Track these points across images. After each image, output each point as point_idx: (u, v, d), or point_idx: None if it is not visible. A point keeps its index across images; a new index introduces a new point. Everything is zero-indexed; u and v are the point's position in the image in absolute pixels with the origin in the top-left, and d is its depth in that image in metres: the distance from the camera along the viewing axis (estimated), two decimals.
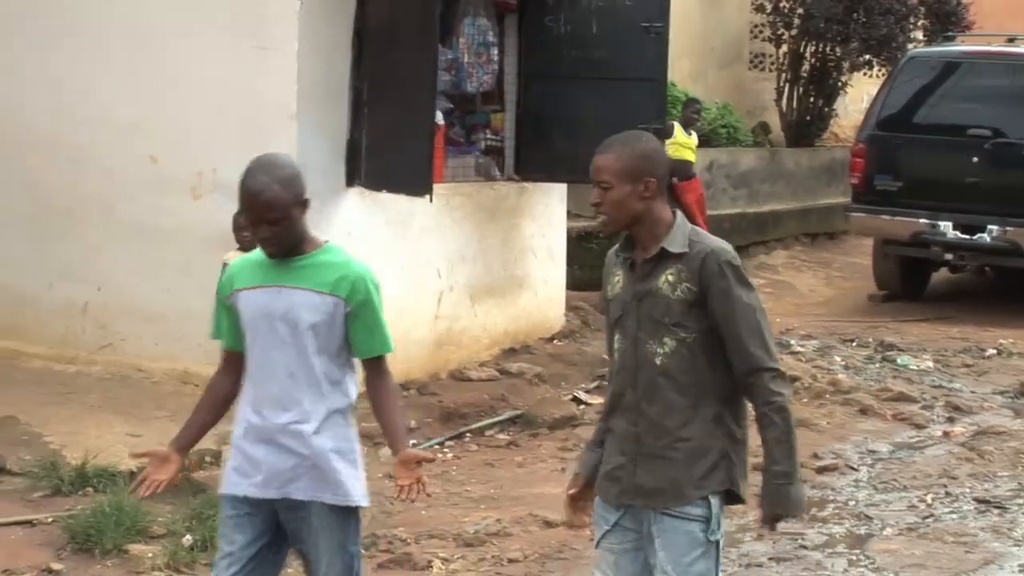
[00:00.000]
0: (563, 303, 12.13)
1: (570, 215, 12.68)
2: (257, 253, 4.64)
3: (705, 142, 16.79)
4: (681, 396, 4.29)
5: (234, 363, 4.69)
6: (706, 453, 4.32)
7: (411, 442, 5.58)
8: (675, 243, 4.30)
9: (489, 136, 11.44)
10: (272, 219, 4.45)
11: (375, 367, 4.71)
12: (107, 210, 9.80)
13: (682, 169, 15.44)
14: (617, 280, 4.40)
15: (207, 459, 8.29)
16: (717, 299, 4.26)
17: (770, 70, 20.25)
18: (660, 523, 4.33)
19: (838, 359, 12.18)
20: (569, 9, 11.02)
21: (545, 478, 8.60)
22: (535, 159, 11.34)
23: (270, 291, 4.55)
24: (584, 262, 13.92)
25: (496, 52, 11.23)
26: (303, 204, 4.54)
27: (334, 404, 4.61)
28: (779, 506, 4.35)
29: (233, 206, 9.50)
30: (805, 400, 10.57)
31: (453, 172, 11.04)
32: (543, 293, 11.79)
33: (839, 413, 10.33)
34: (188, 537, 6.80)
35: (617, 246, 4.49)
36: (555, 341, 11.69)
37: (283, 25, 9.44)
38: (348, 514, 4.64)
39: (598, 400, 10.32)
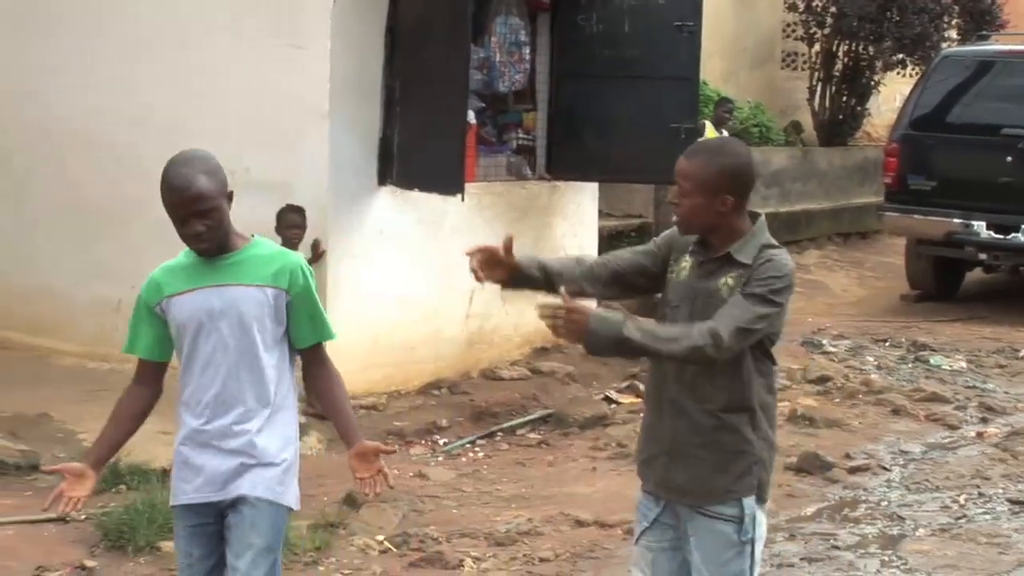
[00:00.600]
0: (595, 302, 12.09)
1: (601, 214, 12.67)
2: (178, 259, 4.50)
3: None
4: (721, 397, 4.28)
5: (152, 375, 4.54)
6: (739, 456, 4.30)
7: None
8: (743, 252, 4.30)
9: (521, 135, 11.43)
10: (203, 211, 4.31)
11: (317, 356, 4.59)
12: (144, 209, 9.82)
13: None
14: (684, 267, 4.40)
15: None
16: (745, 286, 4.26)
17: (802, 69, 20.19)
18: (693, 521, 4.34)
19: (871, 359, 12.15)
20: (601, 8, 11.00)
21: (576, 477, 8.60)
22: (567, 158, 11.33)
23: (207, 292, 4.40)
24: None
25: (528, 51, 11.23)
26: (229, 196, 4.44)
27: (279, 401, 4.50)
28: (592, 322, 4.14)
29: (267, 204, 9.62)
30: (837, 400, 10.55)
31: (485, 171, 11.04)
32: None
33: (871, 413, 10.30)
34: None
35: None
36: None
37: (316, 24, 9.46)
38: (280, 515, 4.52)
39: (629, 399, 10.32)
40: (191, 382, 4.46)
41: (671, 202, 4.45)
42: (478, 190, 10.54)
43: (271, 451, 4.47)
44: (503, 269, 4.53)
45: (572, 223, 11.75)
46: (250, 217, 9.53)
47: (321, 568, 6.75)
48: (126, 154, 10.02)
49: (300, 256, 4.59)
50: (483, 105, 11.11)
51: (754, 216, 4.39)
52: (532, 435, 9.61)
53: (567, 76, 11.24)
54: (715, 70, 17.76)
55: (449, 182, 9.63)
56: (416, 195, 9.91)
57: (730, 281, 4.28)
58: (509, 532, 7.31)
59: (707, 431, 4.29)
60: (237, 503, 4.44)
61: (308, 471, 8.36)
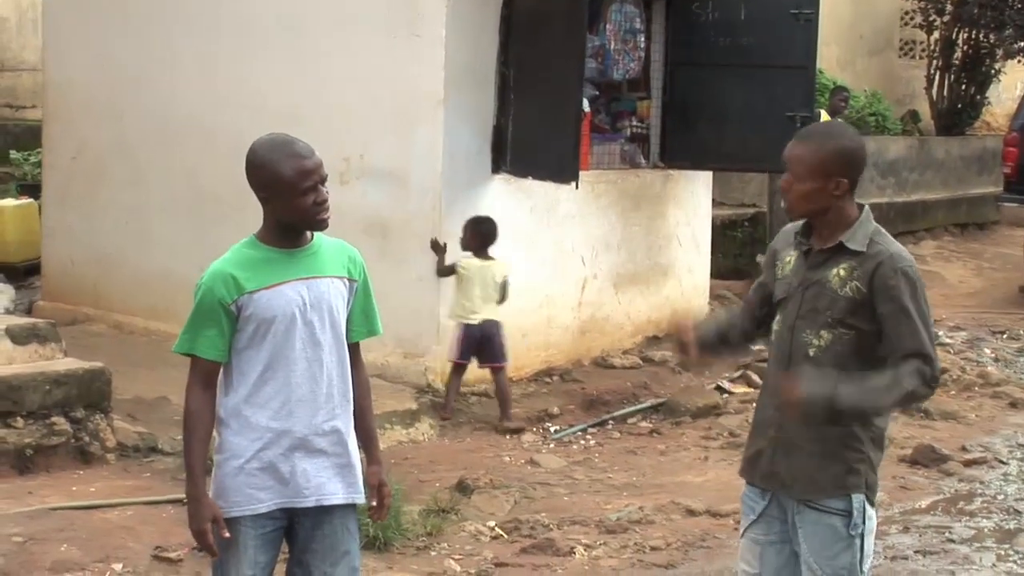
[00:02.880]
0: (707, 291, 12.07)
1: (715, 203, 12.61)
2: (243, 251, 4.26)
3: None
4: None
5: (213, 377, 4.26)
6: (847, 451, 4.22)
7: None
8: (855, 240, 4.22)
9: (635, 123, 11.41)
10: (324, 178, 4.24)
11: (358, 352, 4.41)
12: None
13: None
14: (789, 261, 4.35)
15: None
16: (886, 304, 4.15)
17: (920, 57, 19.96)
18: (801, 514, 4.28)
19: (988, 351, 11.99)
20: None
21: (688, 466, 8.58)
22: (680, 146, 11.29)
23: (297, 285, 4.20)
24: (729, 251, 13.88)
25: (643, 39, 11.20)
26: None
27: (351, 395, 4.34)
28: (805, 387, 4.09)
29: (380, 191, 9.70)
30: (953, 392, 10.42)
31: (598, 159, 11.04)
32: (687, 281, 11.75)
33: (988, 406, 10.17)
34: None
35: (790, 227, 4.44)
36: None
37: (432, 12, 9.50)
38: (355, 511, 4.38)
39: (742, 389, 10.28)
40: (267, 382, 4.20)
41: (781, 189, 4.35)
42: (592, 178, 10.54)
43: (353, 446, 4.33)
44: (698, 353, 4.63)
45: (686, 212, 11.71)
46: (362, 202, 9.71)
47: (433, 553, 6.80)
48: (242, 142, 10.03)
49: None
50: (597, 93, 11.11)
51: (859, 207, 4.31)
52: (643, 424, 9.59)
53: (682, 64, 11.19)
54: (831, 58, 17.60)
55: (564, 170, 9.64)
56: (529, 183, 9.93)
57: (842, 272, 4.19)
58: (620, 520, 7.31)
59: (814, 426, 4.20)
60: (330, 510, 4.26)
61: (421, 457, 8.46)
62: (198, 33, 10.51)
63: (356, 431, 4.36)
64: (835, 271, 4.21)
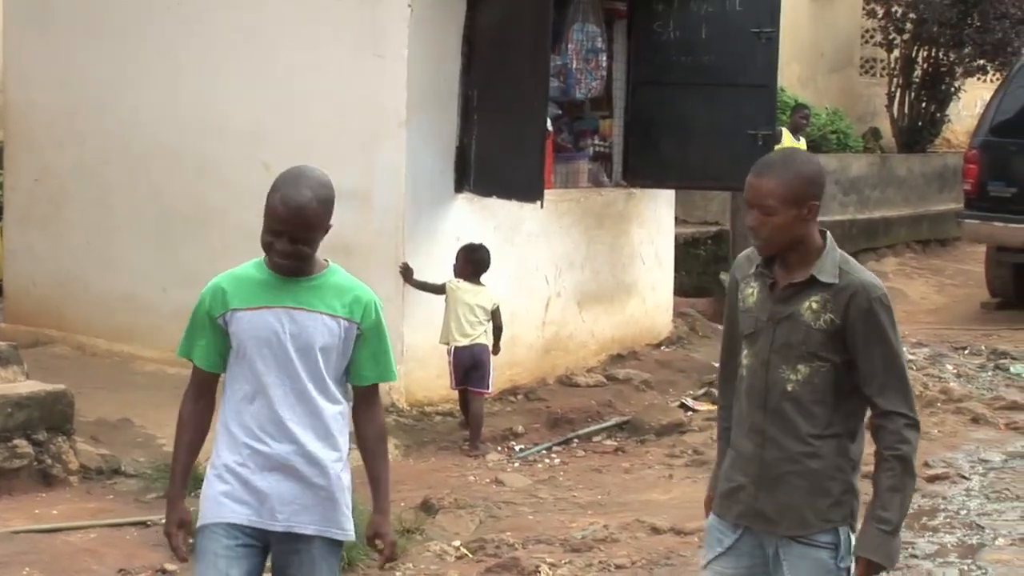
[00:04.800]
0: (671, 309, 12.11)
1: (678, 221, 12.66)
2: (248, 269, 4.31)
3: (815, 148, 16.68)
4: (809, 424, 4.13)
5: (210, 386, 4.31)
6: (831, 484, 4.16)
7: None
8: (825, 271, 4.11)
9: (597, 142, 11.45)
10: (300, 237, 4.15)
11: (371, 397, 4.37)
12: (224, 217, 9.94)
13: None
14: (751, 293, 4.23)
15: None
16: (862, 337, 4.08)
17: (881, 75, 20.09)
18: (788, 548, 4.18)
19: (950, 367, 12.04)
20: (678, 15, 10.99)
21: (652, 484, 8.59)
22: (643, 165, 11.32)
23: (279, 312, 4.19)
24: (692, 268, 13.92)
25: (605, 58, 11.23)
26: (328, 228, 4.26)
27: (343, 433, 4.29)
28: (879, 554, 4.08)
29: (343, 212, 9.66)
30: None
31: (561, 178, 11.07)
32: (651, 299, 11.78)
33: (950, 422, 10.21)
34: None
35: (745, 255, 4.33)
36: (662, 347, 11.68)
37: (394, 33, 9.52)
38: (340, 549, 4.38)
39: (706, 407, 10.30)
40: (252, 402, 4.22)
41: (749, 228, 4.20)
42: (555, 197, 10.56)
43: (339, 481, 4.27)
44: None
45: (649, 230, 11.75)
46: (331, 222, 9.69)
47: (398, 573, 6.79)
48: (207, 163, 10.14)
49: (372, 291, 4.34)
50: (559, 112, 11.14)
51: (822, 232, 4.21)
52: (608, 442, 9.61)
53: (644, 83, 11.24)
54: (792, 76, 17.70)
55: (529, 189, 9.66)
56: (492, 202, 9.94)
57: (814, 305, 4.09)
58: (585, 539, 7.32)
59: (798, 458, 4.14)
60: (306, 540, 4.23)
61: None
62: (162, 53, 10.49)
63: (369, 480, 4.35)
64: (807, 304, 4.11)
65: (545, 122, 9.94)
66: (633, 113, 11.34)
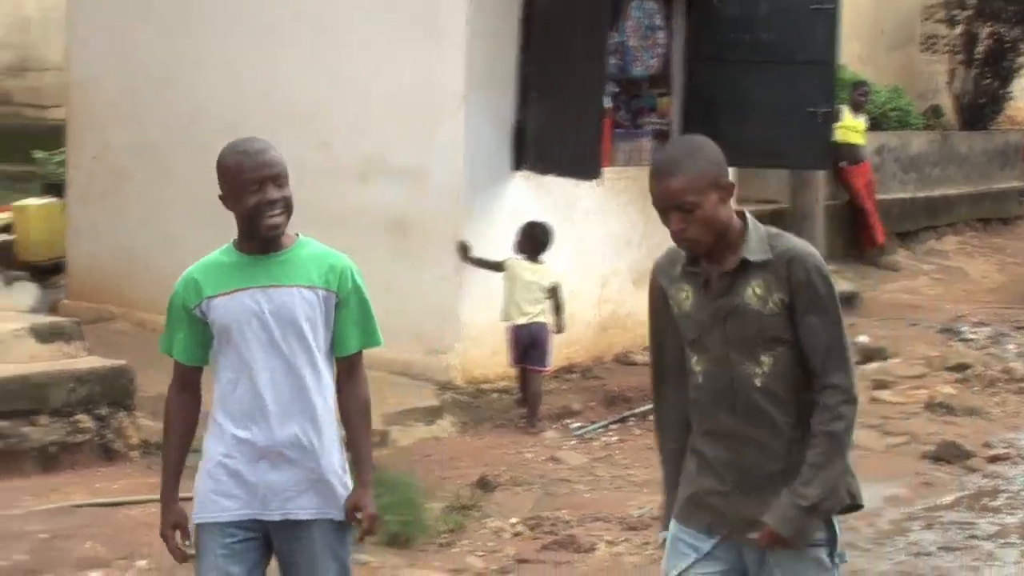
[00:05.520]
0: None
1: (737, 199, 12.59)
2: (216, 256, 4.22)
3: (875, 125, 16.56)
4: (787, 414, 3.87)
5: (195, 380, 4.20)
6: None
7: None
8: (754, 250, 3.86)
9: (655, 120, 11.40)
10: (278, 175, 4.08)
11: (354, 367, 4.21)
12: None
13: (850, 153, 15.29)
14: (685, 297, 3.95)
15: (374, 438, 8.40)
16: (803, 307, 3.83)
17: (943, 52, 19.89)
18: (777, 553, 3.88)
19: (1011, 347, 11.95)
20: None
21: None
22: None
23: (255, 292, 4.07)
24: None
25: (663, 35, 11.19)
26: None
27: (329, 411, 4.16)
28: (786, 527, 3.80)
29: (401, 190, 9.72)
30: (977, 388, 10.39)
31: (624, 156, 11.03)
32: None
33: (1012, 401, 10.14)
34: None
35: (666, 257, 4.06)
36: None
37: (453, 11, 9.53)
38: (345, 531, 4.20)
39: None
40: (235, 389, 4.10)
41: (675, 233, 3.88)
42: (612, 175, 10.54)
43: (334, 463, 4.14)
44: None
45: None
46: (383, 201, 9.74)
47: (455, 550, 6.81)
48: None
49: (348, 258, 4.25)
50: (617, 90, 11.10)
51: (738, 212, 3.95)
52: None
53: (702, 60, 11.18)
54: (852, 53, 17.54)
55: (586, 167, 9.65)
56: (549, 180, 9.93)
57: (758, 290, 3.83)
58: (641, 516, 7.31)
59: (782, 456, 3.86)
60: (304, 525, 4.11)
61: (442, 454, 8.47)
62: (221, 32, 10.54)
63: (350, 449, 4.20)
64: (749, 291, 3.85)
65: (603, 100, 9.92)
66: (691, 91, 11.28)
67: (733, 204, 3.92)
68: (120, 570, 6.13)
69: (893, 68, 19.64)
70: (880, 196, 15.96)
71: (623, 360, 10.62)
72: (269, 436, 4.07)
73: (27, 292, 8.72)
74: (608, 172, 10.25)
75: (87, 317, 10.03)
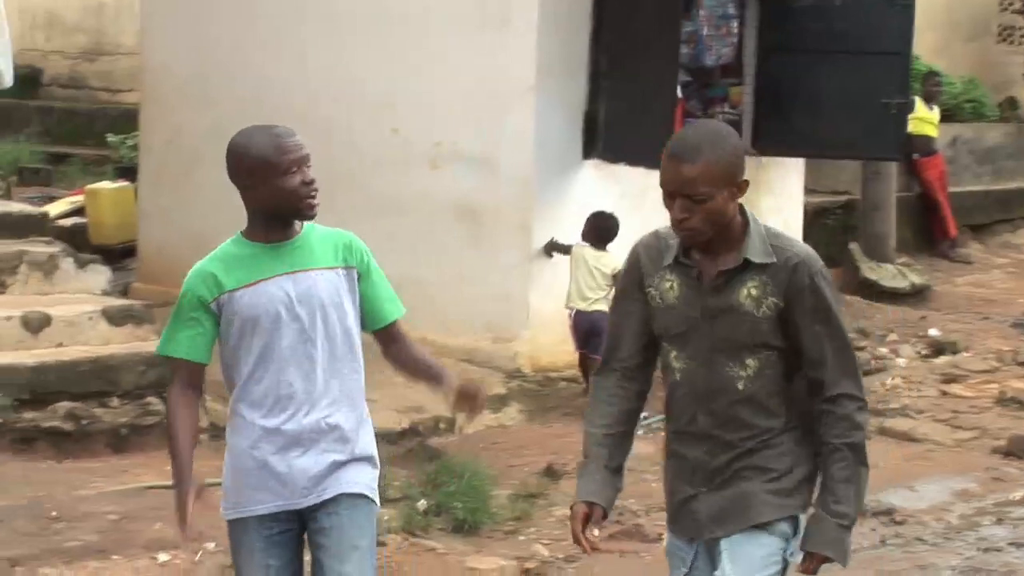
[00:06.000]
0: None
1: (807, 190, 12.52)
2: (227, 249, 4.14)
3: (949, 117, 16.40)
4: (767, 419, 3.76)
5: (195, 378, 4.12)
6: (791, 474, 3.78)
7: None
8: (756, 251, 3.71)
9: (727, 110, 11.34)
10: (306, 157, 4.07)
11: (398, 333, 4.23)
12: (351, 182, 10.01)
13: (923, 144, 15.15)
14: (670, 287, 3.79)
15: (441, 425, 8.44)
16: (806, 316, 3.70)
17: (1019, 43, 19.65)
18: (731, 538, 3.79)
19: None
20: None
21: None
22: (773, 133, 11.20)
23: (280, 280, 4.02)
24: (820, 238, 13.73)
25: (736, 24, 11.11)
26: None
27: (359, 392, 4.16)
28: (835, 549, 3.74)
29: (470, 177, 9.72)
30: None
31: None
32: None
33: None
34: (423, 502, 6.92)
35: (653, 240, 3.90)
36: None
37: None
38: (375, 513, 4.19)
39: None
40: (262, 379, 4.04)
41: (678, 221, 3.69)
42: None
43: (364, 444, 4.14)
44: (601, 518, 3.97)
45: (778, 199, 11.63)
46: (453, 188, 9.75)
47: (521, 538, 6.82)
48: (335, 128, 10.19)
49: (351, 232, 4.23)
50: (689, 79, 11.04)
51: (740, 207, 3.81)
52: None
53: (775, 50, 11.10)
54: (927, 44, 17.37)
55: (657, 156, 9.45)
56: (619, 169, 9.90)
57: (753, 292, 3.69)
58: None
59: (750, 452, 3.77)
60: (332, 502, 4.07)
61: (510, 442, 8.48)
62: (292, 18, 10.57)
63: (415, 371, 4.23)
64: (744, 291, 3.70)
65: (675, 89, 9.88)
66: (763, 80, 11.21)
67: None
68: (189, 552, 6.17)
69: (968, 59, 19.43)
70: (953, 188, 15.81)
71: None
72: (299, 423, 4.04)
73: (99, 275, 8.78)
74: None
75: (157, 300, 10.08)
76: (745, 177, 3.73)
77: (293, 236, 4.08)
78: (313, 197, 4.04)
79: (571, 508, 3.98)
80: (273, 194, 4.02)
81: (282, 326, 4.01)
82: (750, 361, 3.73)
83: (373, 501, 4.15)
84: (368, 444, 4.17)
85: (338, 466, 4.07)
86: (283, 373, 4.03)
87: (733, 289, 3.72)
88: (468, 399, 4.23)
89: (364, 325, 4.17)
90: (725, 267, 3.72)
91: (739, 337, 3.71)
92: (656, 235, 3.89)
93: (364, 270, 4.15)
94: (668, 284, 3.79)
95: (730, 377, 3.74)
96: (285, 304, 4.02)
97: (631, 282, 3.90)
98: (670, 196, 3.70)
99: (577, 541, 3.92)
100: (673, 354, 3.82)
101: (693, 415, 3.82)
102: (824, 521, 3.73)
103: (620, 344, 3.93)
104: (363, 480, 4.12)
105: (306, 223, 4.12)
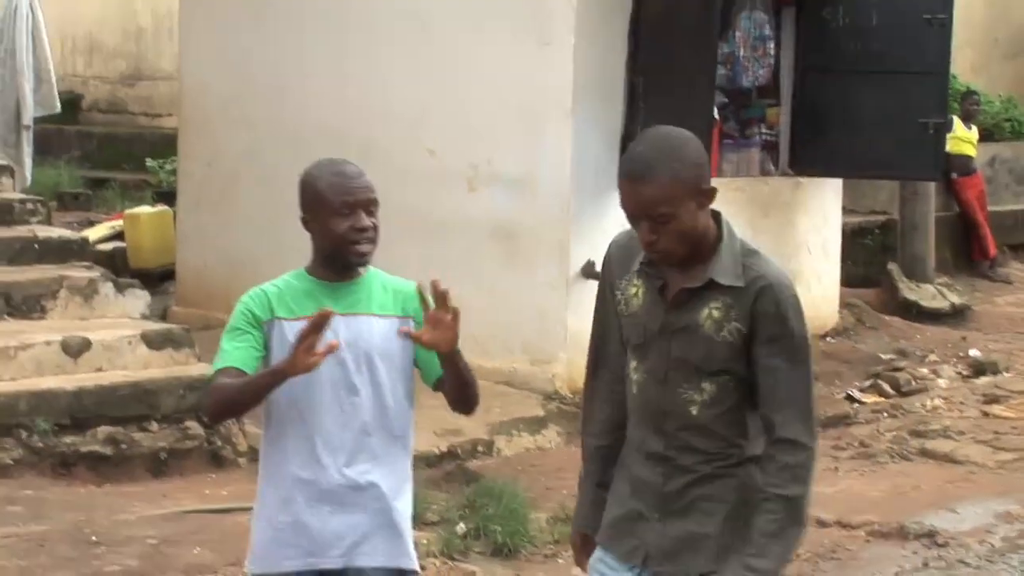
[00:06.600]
0: (837, 300, 11.94)
1: (845, 210, 12.48)
2: (287, 280, 3.91)
3: (988, 136, 16.32)
4: (719, 445, 3.49)
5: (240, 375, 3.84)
6: (748, 507, 3.49)
7: None
8: (725, 271, 3.44)
9: (764, 130, 11.33)
10: (372, 200, 3.87)
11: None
12: (388, 201, 9.96)
13: (962, 164, 15.08)
14: (635, 294, 3.54)
15: (479, 448, 8.44)
16: (764, 345, 3.42)
17: None
18: None
19: None
20: (848, 1, 10.84)
21: (817, 477, 8.45)
22: (810, 153, 11.18)
23: (332, 320, 3.71)
24: (859, 258, 13.70)
25: (772, 45, 11.10)
26: None
27: (404, 451, 3.92)
28: None
29: (507, 197, 9.72)
30: None
31: (732, 167, 10.98)
32: (816, 289, 11.62)
33: None
34: (461, 525, 6.91)
35: (626, 239, 3.64)
36: (828, 338, 11.52)
37: (561, 20, 9.52)
38: None
39: (872, 399, 10.17)
40: (297, 425, 3.81)
41: (646, 244, 3.42)
42: (721, 186, 10.24)
43: (401, 507, 3.89)
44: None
45: (815, 220, 11.60)
46: (490, 208, 9.75)
47: (560, 561, 6.80)
48: (372, 147, 10.20)
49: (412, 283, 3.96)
50: (726, 100, 11.04)
51: (714, 214, 3.55)
52: None
53: (812, 70, 11.09)
54: (965, 62, 17.32)
55: None
56: None
57: (715, 313, 3.43)
58: None
59: (707, 481, 3.49)
60: (366, 573, 3.85)
61: (548, 464, 8.46)
62: (330, 40, 10.61)
63: (455, 387, 3.88)
64: (706, 312, 3.43)
65: (711, 111, 9.86)
66: (800, 101, 11.20)
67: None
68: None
69: (1007, 78, 19.36)
70: (992, 208, 15.72)
71: None
72: (334, 477, 3.80)
73: (139, 299, 8.82)
74: (716, 182, 10.08)
75: (196, 324, 10.13)
76: (710, 184, 3.48)
77: (354, 277, 3.88)
78: (360, 243, 3.81)
79: (571, 539, 3.87)
80: (323, 233, 3.84)
81: (324, 369, 3.72)
82: (706, 386, 3.46)
83: (413, 571, 3.96)
84: (407, 508, 3.93)
85: (374, 530, 3.85)
86: (322, 421, 3.80)
87: (695, 308, 3.45)
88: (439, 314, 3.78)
89: (423, 377, 3.94)
90: (689, 284, 3.46)
91: (694, 359, 3.45)
92: (631, 235, 3.58)
93: (420, 320, 3.84)
94: (634, 291, 3.56)
95: (684, 400, 3.48)
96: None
97: (605, 283, 3.67)
98: (632, 217, 3.44)
99: (583, 569, 3.75)
100: (633, 365, 3.57)
101: (646, 434, 3.55)
102: (733, 568, 3.42)
103: (607, 342, 3.67)
104: (400, 549, 3.90)
105: (371, 268, 3.92)
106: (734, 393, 3.46)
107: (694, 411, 3.47)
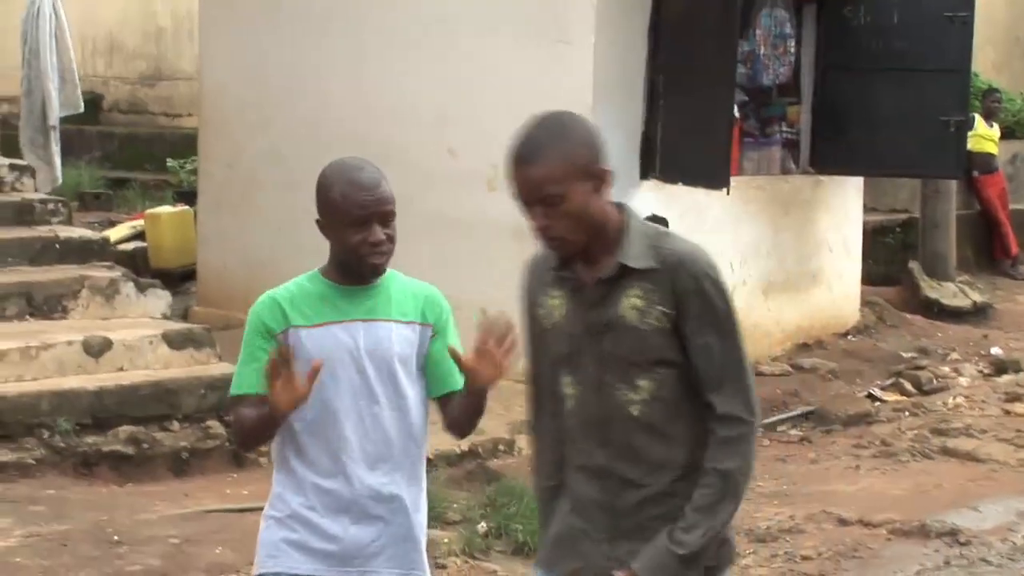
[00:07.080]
0: (858, 298, 11.92)
1: (866, 208, 12.46)
2: (301, 284, 3.77)
3: (1009, 134, 16.28)
4: (669, 449, 3.33)
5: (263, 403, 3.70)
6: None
7: None
8: (636, 255, 3.29)
9: (784, 129, 11.31)
10: (388, 213, 3.73)
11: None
12: (409, 203, 9.97)
13: (983, 162, 15.04)
14: (556, 304, 3.38)
15: (500, 447, 8.43)
16: (692, 324, 3.28)
17: None
18: None
19: None
20: None
21: (839, 475, 8.47)
22: (831, 152, 11.17)
23: (350, 327, 3.68)
24: (880, 257, 13.68)
25: (793, 44, 11.10)
26: None
27: (421, 458, 3.82)
28: (652, 574, 3.27)
29: None
30: None
31: (753, 165, 10.97)
32: (837, 288, 11.61)
33: None
34: (483, 524, 6.90)
35: (538, 257, 3.48)
36: (849, 337, 11.50)
37: (581, 20, 9.52)
38: None
39: (894, 397, 10.14)
40: (317, 433, 3.71)
41: (538, 231, 3.29)
42: (741, 184, 10.46)
43: (419, 518, 3.82)
44: None
45: (836, 218, 11.58)
46: (510, 208, 9.70)
47: None
48: (392, 149, 10.19)
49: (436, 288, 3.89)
50: (746, 98, 11.02)
51: (617, 205, 3.38)
52: (793, 431, 9.50)
53: (833, 68, 11.08)
54: (987, 60, 17.28)
55: (714, 175, 9.59)
56: (678, 189, 9.88)
57: (636, 301, 3.27)
58: (770, 529, 7.24)
59: (661, 498, 3.34)
60: None
61: None
62: (349, 40, 10.63)
63: (461, 410, 3.76)
64: (626, 302, 3.28)
65: (732, 109, 9.85)
66: (821, 99, 11.19)
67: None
68: None
69: None
70: (1014, 206, 15.69)
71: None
72: (355, 486, 3.71)
73: (160, 299, 8.84)
74: (736, 181, 10.18)
75: (217, 324, 10.15)
76: (604, 167, 3.29)
77: (371, 282, 3.75)
78: (372, 256, 3.68)
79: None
80: (337, 241, 3.72)
81: (342, 376, 3.67)
82: (642, 382, 3.30)
83: None
84: (424, 519, 3.86)
85: (393, 541, 3.76)
86: (344, 429, 3.70)
87: (614, 301, 3.29)
88: (492, 339, 3.63)
89: (428, 386, 3.82)
90: (603, 276, 3.30)
91: (626, 355, 3.29)
92: (541, 254, 3.46)
93: (441, 328, 3.78)
94: (555, 301, 3.39)
95: (623, 401, 3.31)
96: (351, 352, 3.69)
97: (526, 311, 3.49)
98: (526, 205, 3.30)
99: None
100: (566, 380, 3.38)
101: (588, 449, 3.37)
102: (659, 543, 3.28)
103: (542, 376, 3.49)
104: (418, 563, 3.82)
105: (389, 270, 3.79)
106: (676, 386, 3.31)
107: (635, 411, 3.32)
